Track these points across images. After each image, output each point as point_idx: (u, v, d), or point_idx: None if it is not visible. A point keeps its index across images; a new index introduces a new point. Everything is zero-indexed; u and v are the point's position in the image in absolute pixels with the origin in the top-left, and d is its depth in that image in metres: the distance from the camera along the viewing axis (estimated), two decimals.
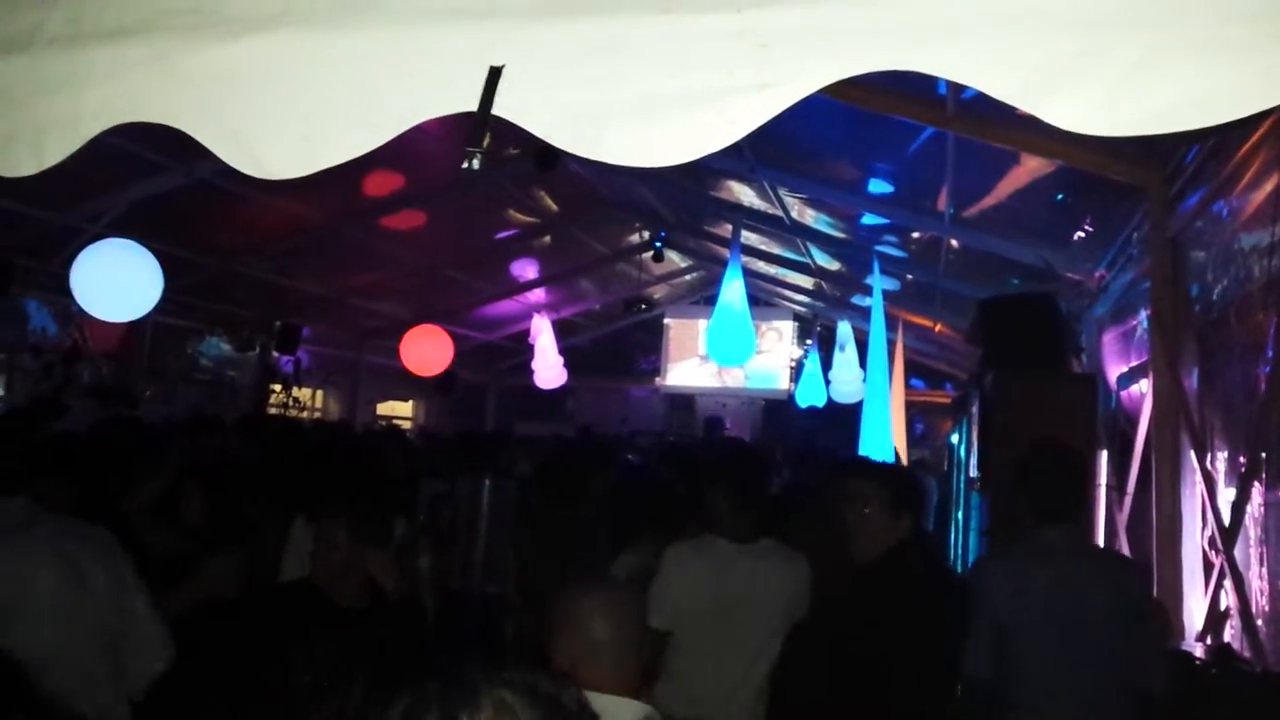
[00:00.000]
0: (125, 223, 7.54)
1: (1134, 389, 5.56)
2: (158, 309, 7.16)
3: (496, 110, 1.36)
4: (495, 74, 1.34)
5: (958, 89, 4.53)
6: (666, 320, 16.78)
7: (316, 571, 3.39)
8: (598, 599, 2.35)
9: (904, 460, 9.14)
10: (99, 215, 7.65)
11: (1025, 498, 3.50)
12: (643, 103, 1.33)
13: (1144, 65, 1.14)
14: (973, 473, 7.33)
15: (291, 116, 1.44)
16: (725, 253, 9.86)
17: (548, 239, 12.36)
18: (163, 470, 4.51)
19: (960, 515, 8.33)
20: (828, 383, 13.01)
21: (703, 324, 12.00)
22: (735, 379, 16.12)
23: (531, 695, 1.09)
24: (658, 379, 16.98)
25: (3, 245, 7.77)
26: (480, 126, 1.35)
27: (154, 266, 6.66)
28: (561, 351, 14.22)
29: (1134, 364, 5.57)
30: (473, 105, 1.37)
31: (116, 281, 6.61)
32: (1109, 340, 6.32)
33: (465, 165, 1.37)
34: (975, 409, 7.11)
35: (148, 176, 7.34)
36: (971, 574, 3.98)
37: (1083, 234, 6.18)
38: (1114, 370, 6.10)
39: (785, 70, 1.27)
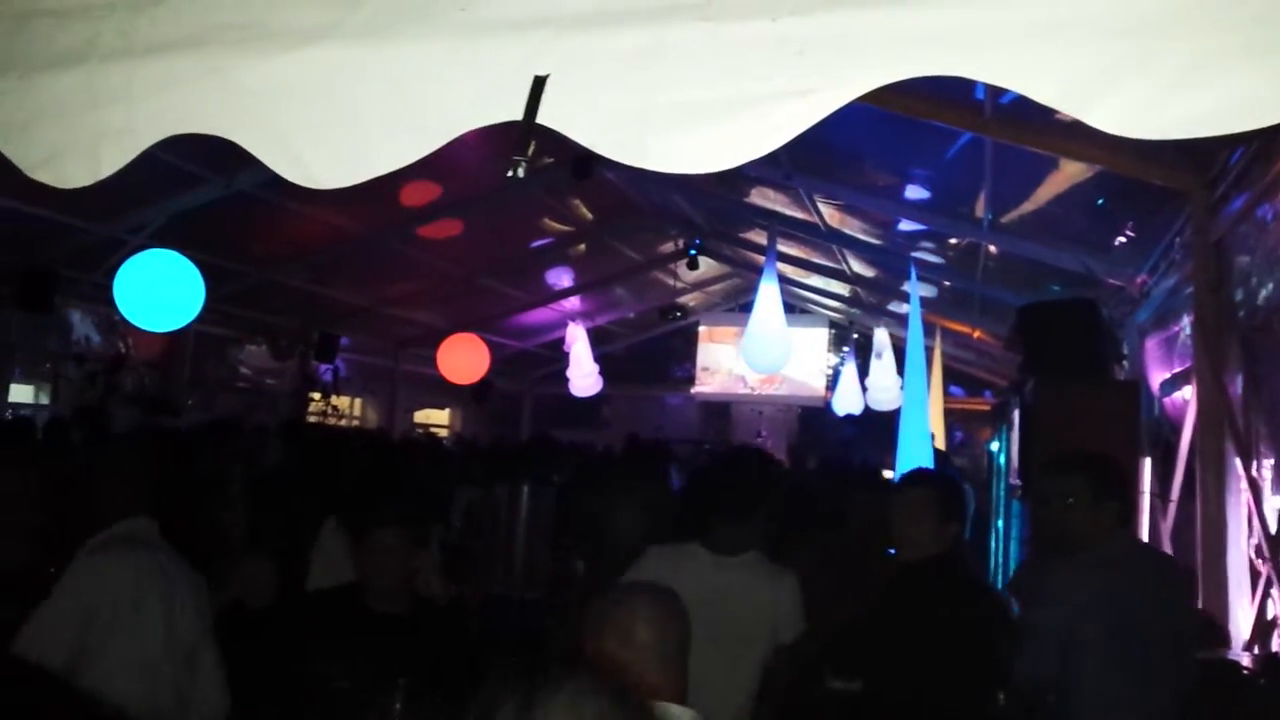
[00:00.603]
0: (167, 234, 7.67)
1: (1177, 396, 5.50)
2: (199, 318, 7.27)
3: (541, 119, 1.38)
4: (540, 83, 1.36)
5: (996, 93, 4.50)
6: (701, 327, 16.76)
7: (361, 577, 3.42)
8: (643, 603, 2.32)
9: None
10: (141, 227, 7.77)
11: (1110, 510, 3.45)
12: (685, 110, 1.34)
13: (1191, 68, 1.14)
14: (1014, 480, 7.26)
15: (340, 127, 1.47)
16: (760, 260, 9.86)
17: (583, 247, 12.41)
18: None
19: (1001, 524, 8.25)
20: (864, 390, 12.94)
21: (738, 331, 12.00)
22: (771, 387, 16.06)
23: (598, 697, 1.08)
24: (693, 387, 16.95)
25: (47, 257, 7.91)
26: (525, 135, 1.37)
27: (195, 277, 6.77)
28: (596, 359, 14.25)
29: (1177, 370, 5.51)
30: (517, 114, 1.38)
31: (159, 292, 6.73)
32: (1151, 346, 6.25)
33: (510, 173, 1.38)
34: (1016, 416, 7.05)
35: (188, 188, 7.45)
36: (1033, 577, 3.94)
37: (1124, 239, 6.12)
38: (1157, 377, 6.03)
39: (826, 77, 1.28)
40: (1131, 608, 3.22)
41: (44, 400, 9.48)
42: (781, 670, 3.54)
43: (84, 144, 1.60)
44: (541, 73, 1.38)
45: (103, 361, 8.88)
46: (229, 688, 3.28)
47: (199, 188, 7.45)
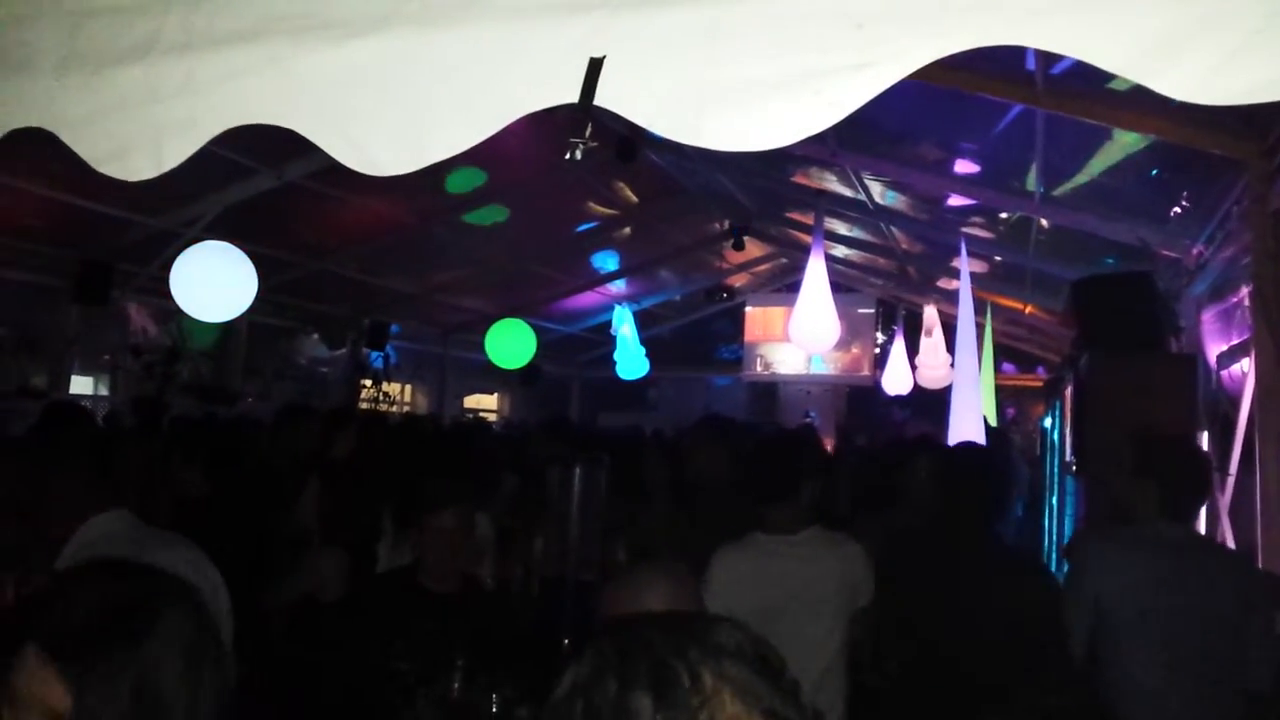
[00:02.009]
0: (220, 226, 7.78)
1: (1235, 368, 5.39)
2: (252, 308, 7.37)
3: (597, 101, 1.38)
4: (596, 65, 1.36)
5: (1047, 65, 4.43)
6: (748, 308, 16.69)
7: (422, 560, 3.47)
8: (651, 581, 2.41)
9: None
10: (195, 220, 7.89)
11: (1147, 488, 3.41)
12: (741, 87, 1.34)
13: (1259, 31, 1.12)
14: (1068, 457, 7.18)
15: (399, 114, 1.49)
16: (807, 239, 9.79)
17: (628, 230, 12.40)
18: None
19: (1055, 500, 8.17)
20: (914, 368, 12.83)
21: (785, 311, 11.94)
22: (818, 365, 15.98)
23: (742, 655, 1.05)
24: (741, 368, 16.90)
25: (103, 251, 8.07)
26: (583, 118, 1.38)
27: (249, 267, 6.87)
28: (643, 342, 14.25)
29: (1235, 342, 5.40)
30: (573, 97, 1.39)
31: (213, 283, 6.83)
32: (1208, 319, 6.13)
33: (568, 156, 1.40)
34: (1070, 392, 6.96)
35: (241, 180, 7.55)
36: (1070, 549, 3.91)
37: (1179, 210, 6.01)
38: (1214, 349, 5.92)
39: (884, 50, 1.27)
40: (1173, 596, 3.18)
41: (103, 391, 9.67)
42: (865, 638, 3.60)
43: (148, 137, 1.63)
44: (597, 54, 1.38)
45: (159, 352, 9.04)
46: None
47: (252, 179, 7.55)
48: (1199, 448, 3.66)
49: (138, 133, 1.64)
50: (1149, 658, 3.18)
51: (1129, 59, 1.16)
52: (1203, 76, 1.13)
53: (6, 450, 3.90)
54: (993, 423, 8.89)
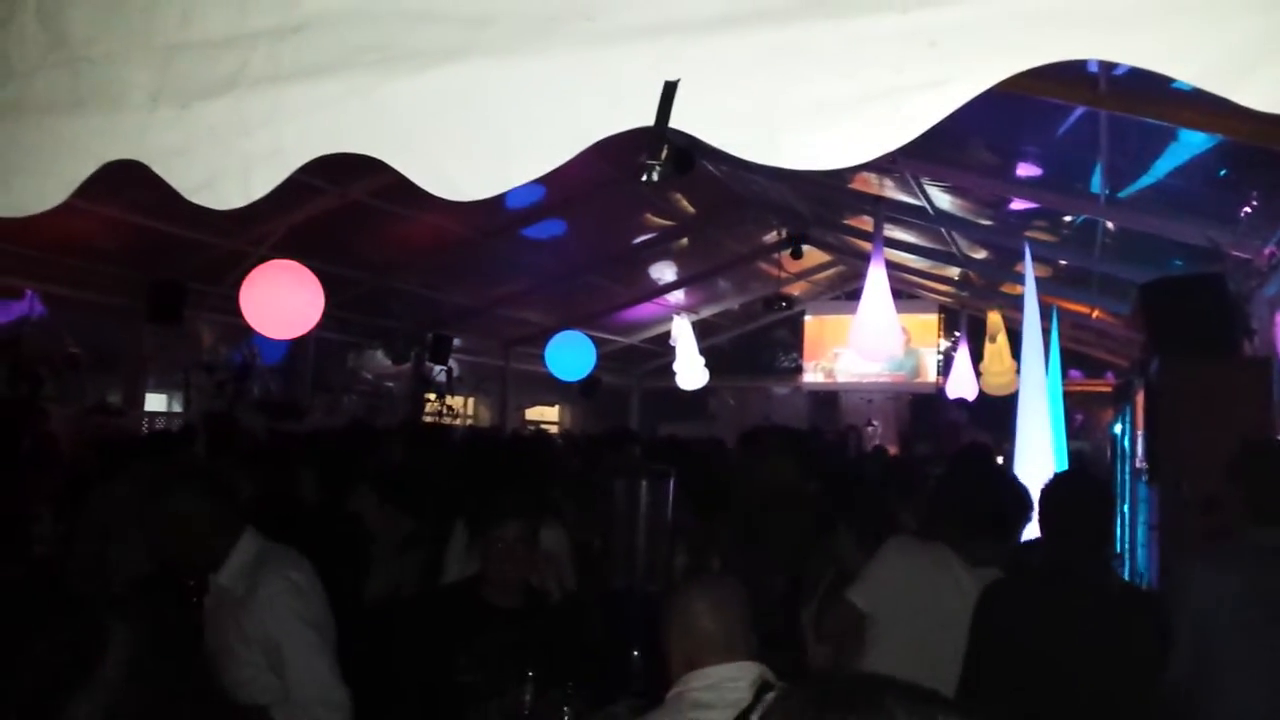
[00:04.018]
0: (287, 244, 7.95)
1: None
2: (319, 325, 7.51)
3: (673, 123, 1.41)
4: (671, 88, 1.38)
5: (1109, 66, 4.38)
6: (807, 317, 16.61)
7: (484, 573, 3.50)
8: (701, 595, 2.56)
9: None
10: (263, 239, 8.07)
11: (1237, 498, 3.35)
12: (816, 106, 1.36)
13: None
14: (1139, 463, 7.05)
15: (478, 141, 1.52)
16: (867, 246, 9.74)
17: (685, 241, 12.43)
18: None
19: (1126, 508, 8.01)
20: (978, 374, 12.67)
21: (845, 320, 11.87)
22: (881, 373, 15.85)
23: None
24: (801, 376, 16.82)
25: (175, 271, 8.28)
26: (658, 140, 1.40)
27: (315, 285, 7.01)
28: (702, 352, 14.26)
29: None
30: (647, 120, 1.41)
31: (282, 300, 6.98)
32: None
33: (644, 178, 1.42)
34: (1140, 397, 6.84)
35: (306, 200, 7.71)
36: (1172, 576, 3.82)
37: (1249, 209, 5.89)
38: None
39: (959, 66, 1.28)
40: (1272, 604, 3.11)
41: (176, 408, 9.92)
42: None
43: (237, 167, 1.69)
44: (670, 77, 1.40)
45: (230, 369, 9.24)
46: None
47: (317, 198, 7.70)
48: None
49: (227, 162, 1.69)
50: (1254, 673, 3.10)
51: (1207, 71, 1.16)
52: None
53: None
54: (1061, 429, 8.75)
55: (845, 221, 12.07)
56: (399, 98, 1.54)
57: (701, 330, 14.87)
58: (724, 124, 1.40)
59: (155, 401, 9.83)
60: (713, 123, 1.40)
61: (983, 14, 1.27)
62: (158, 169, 1.73)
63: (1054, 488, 3.42)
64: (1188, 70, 1.17)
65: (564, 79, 1.47)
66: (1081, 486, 3.50)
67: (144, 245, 7.95)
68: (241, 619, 3.08)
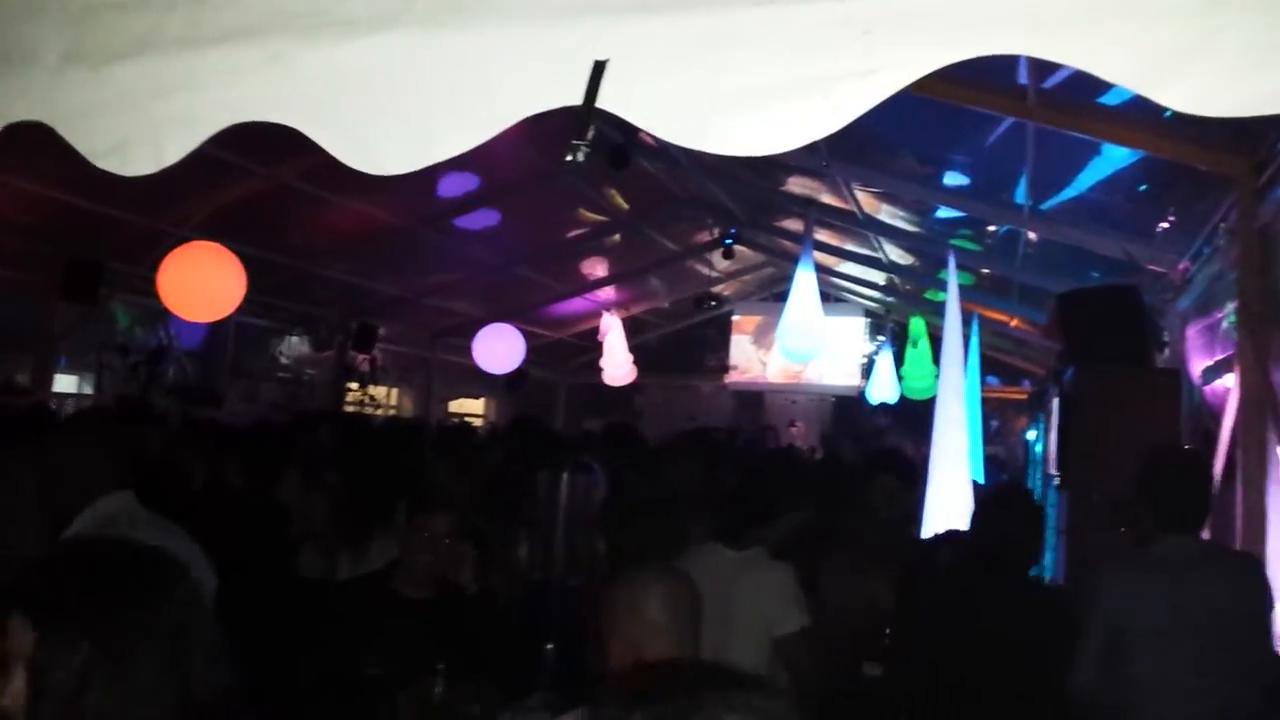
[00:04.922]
0: (210, 226, 7.75)
1: (1218, 384, 5.43)
2: (240, 309, 7.34)
3: (600, 103, 1.38)
4: (600, 68, 1.36)
5: (1039, 78, 4.46)
6: (735, 316, 16.69)
7: (402, 563, 3.44)
8: (657, 582, 2.43)
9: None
10: (185, 219, 7.85)
11: (1145, 506, 3.42)
12: (746, 92, 1.35)
13: (1264, 46, 1.13)
14: (1051, 470, 7.20)
15: (403, 114, 1.49)
16: (796, 249, 9.82)
17: (618, 237, 12.40)
18: None
19: None
20: (900, 379, 12.87)
21: (773, 320, 11.96)
22: (804, 375, 15.98)
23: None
24: (726, 376, 16.90)
25: (92, 249, 8.02)
26: (585, 120, 1.38)
27: (237, 268, 6.84)
28: (631, 349, 14.25)
29: (1219, 358, 5.44)
30: (576, 99, 1.39)
31: (201, 283, 6.81)
32: (1193, 334, 6.18)
33: (569, 158, 1.40)
34: (1054, 405, 6.99)
35: (231, 181, 7.51)
36: (1082, 581, 3.92)
37: (1166, 225, 6.05)
38: (1197, 364, 5.96)
39: (891, 55, 1.28)
40: (1188, 610, 3.18)
41: (88, 390, 9.62)
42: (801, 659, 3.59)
43: (148, 133, 1.62)
44: (600, 57, 1.38)
45: (145, 352, 8.99)
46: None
47: (242, 180, 7.52)
48: (1193, 455, 3.65)
49: (138, 128, 1.63)
50: (1171, 674, 3.17)
51: (1133, 71, 1.17)
52: (1206, 89, 1.14)
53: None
54: (979, 434, 8.91)
55: (777, 224, 12.16)
56: (320, 68, 1.49)
57: (632, 327, 14.86)
58: (653, 106, 1.38)
59: (66, 383, 9.53)
60: (642, 105, 1.38)
61: (919, 6, 1.27)
62: (64, 131, 1.66)
63: (994, 494, 3.57)
64: (1114, 70, 1.18)
65: (493, 55, 1.44)
66: (1019, 499, 3.66)
67: (60, 221, 7.67)
68: None
